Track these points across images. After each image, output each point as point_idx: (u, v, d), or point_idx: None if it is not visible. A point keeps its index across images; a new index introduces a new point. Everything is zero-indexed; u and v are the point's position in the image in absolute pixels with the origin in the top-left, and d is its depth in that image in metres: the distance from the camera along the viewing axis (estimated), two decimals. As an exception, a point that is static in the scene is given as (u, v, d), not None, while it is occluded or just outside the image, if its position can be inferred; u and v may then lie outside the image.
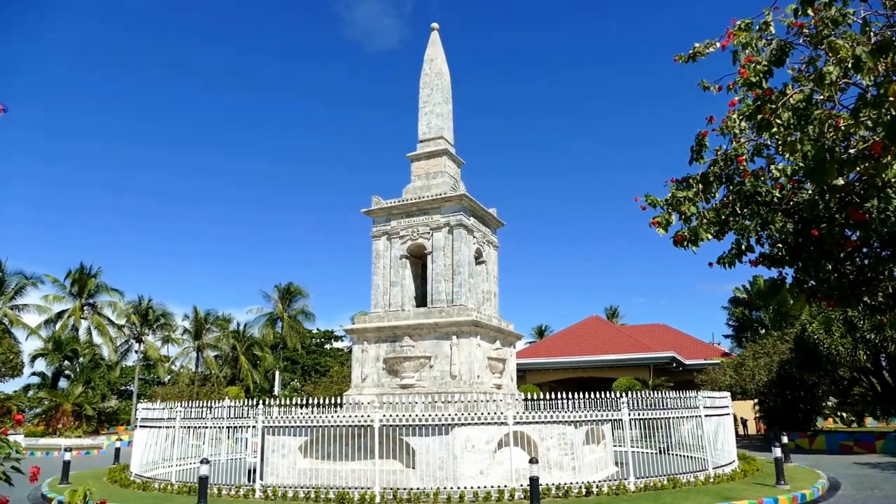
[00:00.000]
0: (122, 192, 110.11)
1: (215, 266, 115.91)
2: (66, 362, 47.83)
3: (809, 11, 4.24)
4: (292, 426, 15.18)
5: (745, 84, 4.48)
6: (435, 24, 21.42)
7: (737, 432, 33.90)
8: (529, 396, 18.76)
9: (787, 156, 4.49)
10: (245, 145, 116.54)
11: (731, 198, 4.99)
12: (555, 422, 14.79)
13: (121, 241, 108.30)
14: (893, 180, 4.11)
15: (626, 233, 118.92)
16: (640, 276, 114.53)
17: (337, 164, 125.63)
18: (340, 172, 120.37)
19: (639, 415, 15.33)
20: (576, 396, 15.95)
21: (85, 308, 52.73)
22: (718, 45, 4.75)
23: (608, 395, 15.94)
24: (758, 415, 35.05)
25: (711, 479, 14.93)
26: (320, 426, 14.87)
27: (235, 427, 16.22)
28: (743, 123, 4.79)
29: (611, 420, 15.67)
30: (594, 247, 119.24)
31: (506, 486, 13.52)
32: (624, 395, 15.63)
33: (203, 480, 13.06)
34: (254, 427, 15.65)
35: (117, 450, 23.27)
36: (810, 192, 4.63)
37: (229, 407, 16.00)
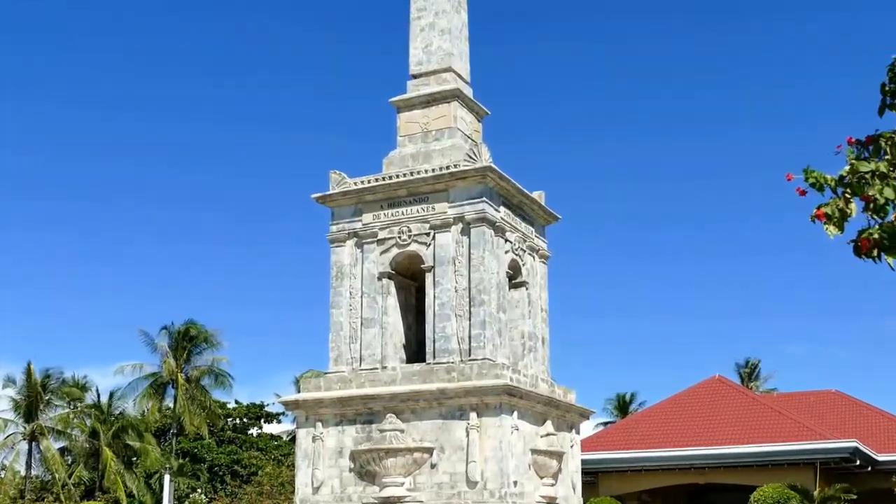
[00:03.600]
0: None
1: (61, 297, 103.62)
2: None
3: None
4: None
5: None
6: None
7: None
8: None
9: None
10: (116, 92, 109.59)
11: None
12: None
13: None
14: None
15: (767, 238, 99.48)
16: (794, 309, 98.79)
17: (275, 126, 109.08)
18: (279, 140, 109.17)
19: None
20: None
21: None
22: None
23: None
24: None
25: None
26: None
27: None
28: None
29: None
30: (710, 263, 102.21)
31: None
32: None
33: None
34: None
35: None
36: None
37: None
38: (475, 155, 20.25)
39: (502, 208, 20.74)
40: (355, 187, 20.98)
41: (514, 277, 21.60)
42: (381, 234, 20.75)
